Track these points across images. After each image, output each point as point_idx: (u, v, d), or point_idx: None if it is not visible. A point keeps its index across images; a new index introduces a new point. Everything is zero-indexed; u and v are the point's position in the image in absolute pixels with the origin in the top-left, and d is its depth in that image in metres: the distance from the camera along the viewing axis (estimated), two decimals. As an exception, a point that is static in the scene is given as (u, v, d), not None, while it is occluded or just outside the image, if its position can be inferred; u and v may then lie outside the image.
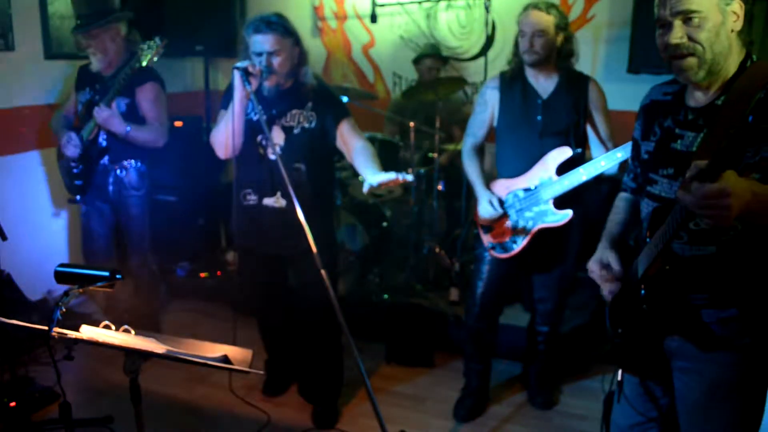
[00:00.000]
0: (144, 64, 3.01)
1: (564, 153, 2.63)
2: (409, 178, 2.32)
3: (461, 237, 3.95)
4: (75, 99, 3.30)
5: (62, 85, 3.81)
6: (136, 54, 3.04)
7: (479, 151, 2.86)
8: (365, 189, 2.39)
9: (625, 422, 1.79)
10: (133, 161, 3.28)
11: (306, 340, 3.00)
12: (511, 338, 3.30)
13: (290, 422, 2.95)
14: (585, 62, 4.16)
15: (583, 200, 2.77)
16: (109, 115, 3.04)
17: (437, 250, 4.09)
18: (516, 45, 2.67)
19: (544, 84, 2.69)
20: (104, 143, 3.22)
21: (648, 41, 3.54)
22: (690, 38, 1.45)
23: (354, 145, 2.65)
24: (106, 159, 3.24)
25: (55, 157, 3.43)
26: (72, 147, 3.18)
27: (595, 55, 4.14)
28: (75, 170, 3.24)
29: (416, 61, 4.39)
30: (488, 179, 2.84)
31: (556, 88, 2.68)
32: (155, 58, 3.06)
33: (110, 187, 3.28)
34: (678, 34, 1.45)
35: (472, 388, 3.03)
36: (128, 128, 3.10)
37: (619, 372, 1.76)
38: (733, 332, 1.50)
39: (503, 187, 2.77)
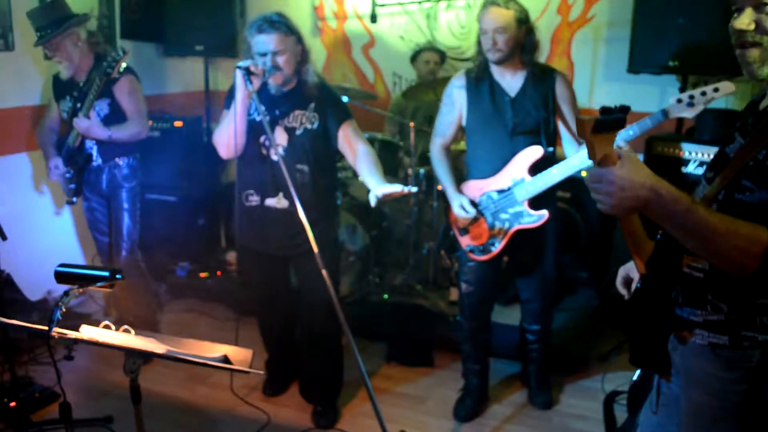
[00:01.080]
0: (113, 75, 3.05)
1: (535, 152, 2.61)
2: (414, 189, 2.34)
3: (438, 240, 3.95)
4: (57, 110, 3.35)
5: (41, 94, 3.77)
6: (103, 62, 3.04)
7: (448, 151, 2.85)
8: (372, 202, 2.40)
9: (648, 429, 1.76)
10: (124, 158, 3.35)
11: (306, 340, 3.00)
12: (511, 338, 3.29)
13: (290, 422, 2.95)
14: (585, 62, 4.17)
15: (555, 199, 2.77)
16: (88, 125, 3.11)
17: (437, 250, 4.09)
18: (479, 43, 2.62)
19: (511, 81, 2.65)
20: (90, 150, 3.28)
21: (648, 41, 3.57)
22: (758, 27, 1.30)
23: (357, 149, 2.65)
24: (99, 160, 3.30)
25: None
26: (55, 174, 3.29)
27: (595, 55, 4.13)
28: (68, 175, 3.32)
29: (413, 59, 4.39)
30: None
31: (523, 84, 2.64)
32: (122, 67, 3.10)
33: (104, 184, 3.36)
34: (745, 20, 1.31)
35: (472, 387, 3.03)
36: (109, 132, 3.17)
37: (636, 373, 1.72)
38: (722, 359, 1.43)
39: (476, 188, 2.75)
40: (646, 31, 3.54)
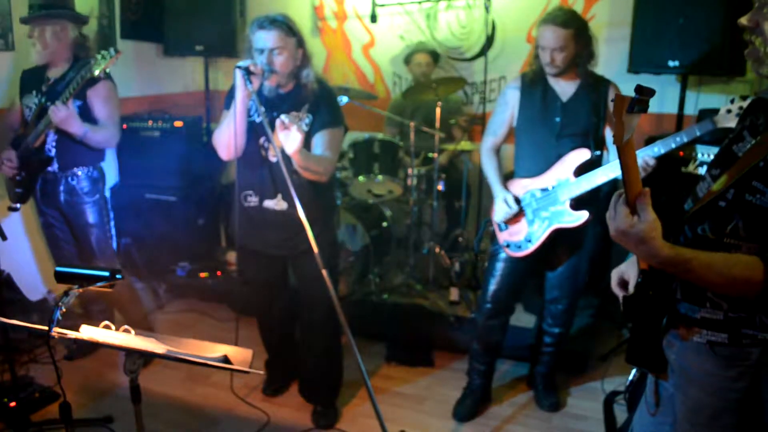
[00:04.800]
0: (96, 73, 2.81)
1: (582, 155, 2.64)
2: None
3: (478, 235, 3.95)
4: (20, 106, 3.14)
5: (3, 96, 3.60)
6: (89, 62, 2.86)
7: (498, 150, 2.88)
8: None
9: (642, 429, 1.76)
10: (84, 168, 3.14)
11: (306, 340, 3.00)
12: (514, 339, 3.29)
13: (290, 422, 2.95)
14: (585, 62, 4.17)
15: (600, 201, 2.77)
16: (67, 115, 2.86)
17: (437, 250, 4.09)
18: (536, 47, 2.66)
19: (565, 86, 2.70)
20: (51, 152, 3.07)
21: (648, 41, 3.56)
22: (757, 26, 1.35)
23: (317, 152, 2.61)
24: (55, 166, 3.09)
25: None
26: (7, 168, 3.06)
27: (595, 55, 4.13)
28: (17, 177, 3.10)
29: (407, 62, 4.40)
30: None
31: (576, 91, 2.69)
32: (108, 69, 2.86)
33: (61, 196, 3.13)
34: (747, 16, 1.36)
35: (474, 387, 3.03)
36: (86, 129, 2.97)
37: (632, 372, 1.72)
38: (721, 357, 1.43)
39: (520, 186, 2.78)
40: (646, 31, 3.54)
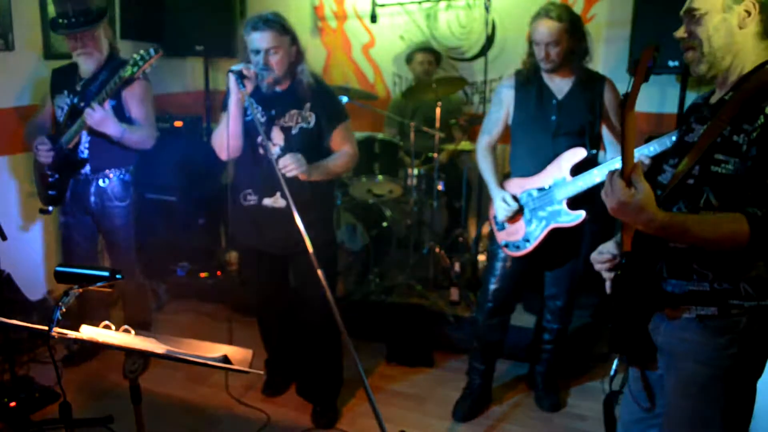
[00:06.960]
0: (136, 75, 2.77)
1: (578, 154, 2.63)
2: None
3: (477, 235, 3.95)
4: (52, 105, 3.11)
5: (32, 90, 3.65)
6: (122, 62, 2.85)
7: (493, 149, 2.87)
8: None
9: (629, 417, 1.79)
10: (116, 170, 3.11)
11: (306, 340, 3.00)
12: (514, 338, 3.29)
13: (290, 422, 2.95)
14: (585, 62, 4.17)
15: (597, 200, 2.76)
16: (103, 117, 2.84)
17: (437, 250, 4.09)
18: (530, 45, 2.66)
19: (560, 84, 2.69)
20: (84, 153, 3.04)
21: (648, 41, 3.56)
22: (691, 33, 1.55)
23: (340, 150, 2.70)
24: (87, 168, 3.06)
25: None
26: (44, 153, 2.97)
27: (595, 55, 4.13)
28: (50, 179, 3.05)
29: (409, 61, 4.40)
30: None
31: (571, 88, 2.68)
32: (148, 69, 2.80)
33: (92, 198, 3.10)
34: (681, 29, 1.58)
35: (474, 387, 3.03)
36: (123, 129, 2.94)
37: (615, 361, 1.77)
38: (710, 329, 1.52)
39: (517, 185, 2.78)
40: (646, 31, 3.54)
